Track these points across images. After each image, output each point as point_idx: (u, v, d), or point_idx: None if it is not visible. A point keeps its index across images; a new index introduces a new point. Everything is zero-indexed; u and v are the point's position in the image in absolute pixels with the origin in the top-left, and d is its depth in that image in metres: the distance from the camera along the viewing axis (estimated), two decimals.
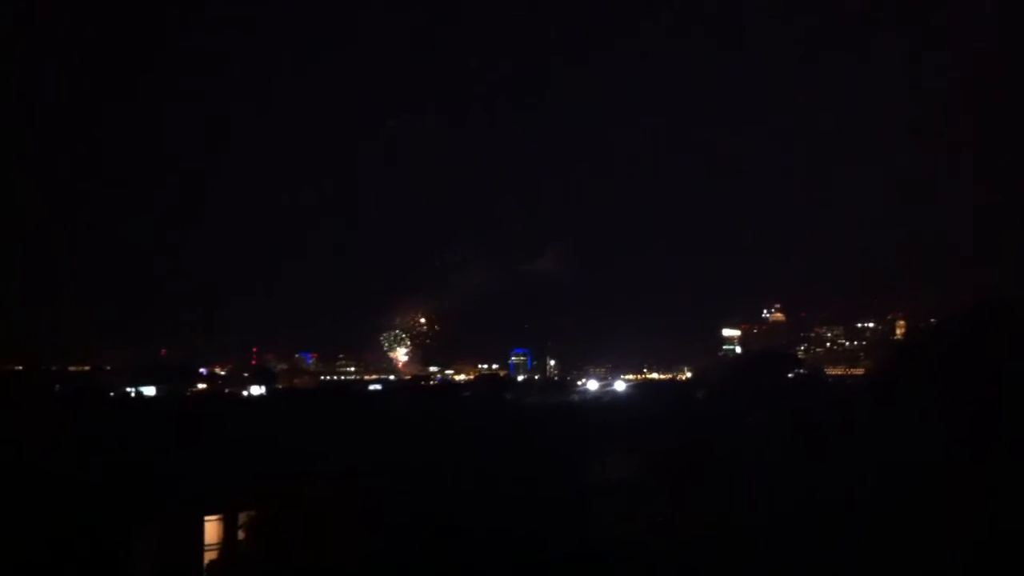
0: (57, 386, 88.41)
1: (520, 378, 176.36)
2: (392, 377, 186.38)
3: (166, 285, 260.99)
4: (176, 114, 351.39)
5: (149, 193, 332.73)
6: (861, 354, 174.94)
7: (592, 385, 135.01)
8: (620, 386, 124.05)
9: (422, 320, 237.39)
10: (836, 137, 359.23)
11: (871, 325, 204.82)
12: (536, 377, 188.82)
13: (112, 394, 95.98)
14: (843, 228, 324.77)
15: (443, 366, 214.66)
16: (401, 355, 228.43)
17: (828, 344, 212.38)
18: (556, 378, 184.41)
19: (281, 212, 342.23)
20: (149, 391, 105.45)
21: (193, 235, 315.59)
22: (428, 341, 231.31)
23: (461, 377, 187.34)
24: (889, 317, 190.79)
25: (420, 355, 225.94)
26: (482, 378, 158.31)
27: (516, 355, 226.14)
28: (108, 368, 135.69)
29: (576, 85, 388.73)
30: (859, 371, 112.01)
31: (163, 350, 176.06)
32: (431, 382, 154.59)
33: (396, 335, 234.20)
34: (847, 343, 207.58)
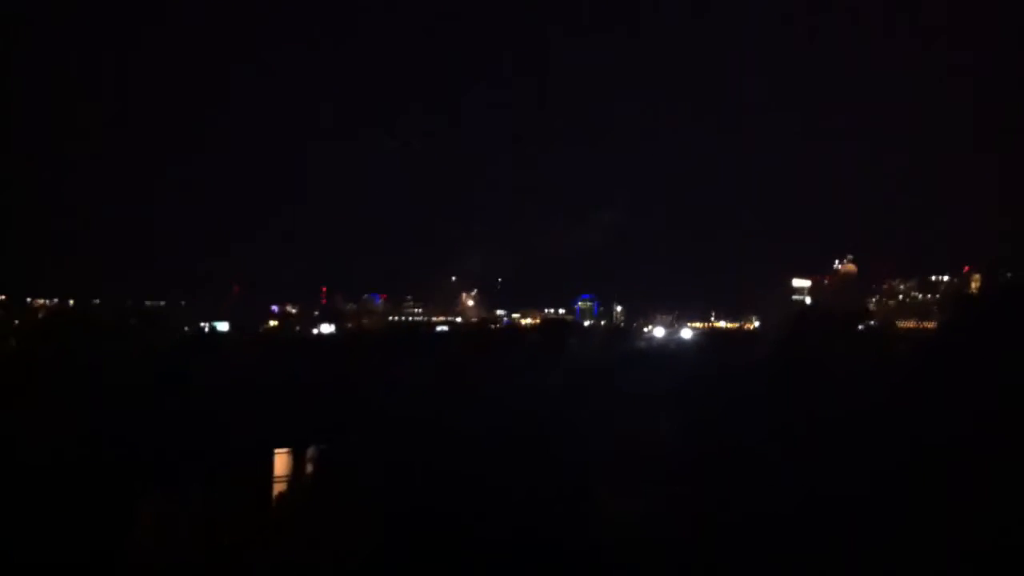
0: (133, 320, 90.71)
1: (586, 323, 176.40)
2: (459, 319, 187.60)
3: (239, 223, 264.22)
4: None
5: (223, 133, 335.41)
6: (934, 307, 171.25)
7: (658, 332, 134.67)
8: (687, 334, 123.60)
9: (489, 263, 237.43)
10: (911, 86, 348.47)
11: (945, 278, 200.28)
12: (602, 323, 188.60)
13: (187, 329, 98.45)
14: (919, 179, 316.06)
15: (509, 310, 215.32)
16: (468, 298, 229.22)
17: (900, 297, 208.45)
18: (622, 325, 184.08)
19: (355, 154, 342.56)
20: (222, 327, 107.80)
21: (264, 174, 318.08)
22: (495, 285, 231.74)
23: (527, 321, 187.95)
24: (965, 270, 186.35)
25: (487, 298, 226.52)
26: (547, 322, 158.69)
27: (583, 301, 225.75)
28: (183, 304, 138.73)
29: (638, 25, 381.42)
30: (931, 325, 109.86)
31: (236, 288, 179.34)
32: (496, 325, 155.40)
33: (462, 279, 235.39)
34: (920, 296, 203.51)
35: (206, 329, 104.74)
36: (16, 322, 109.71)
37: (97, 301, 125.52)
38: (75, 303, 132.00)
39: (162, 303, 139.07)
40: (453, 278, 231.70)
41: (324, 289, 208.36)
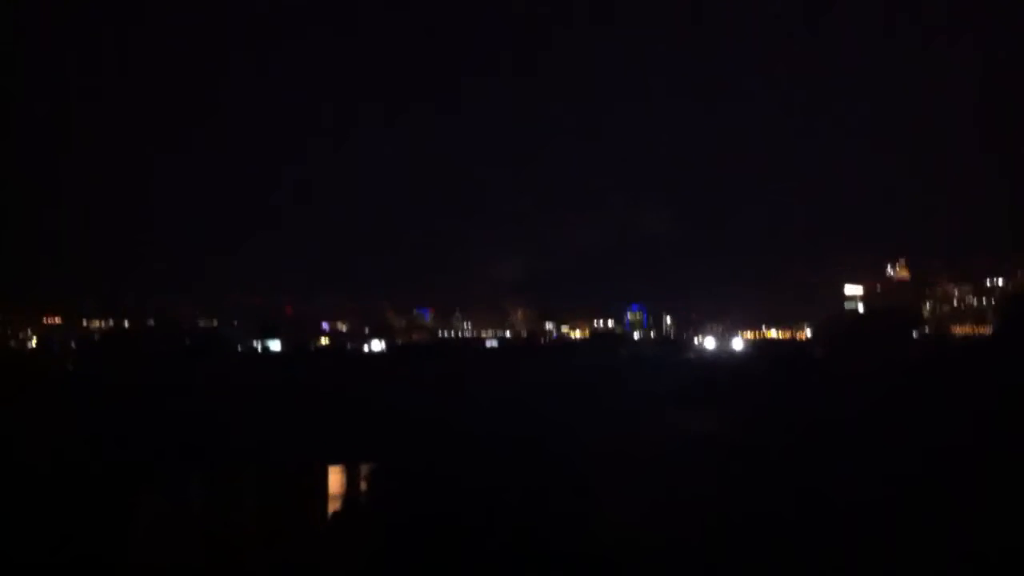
0: (187, 340, 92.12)
1: (636, 335, 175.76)
2: (508, 334, 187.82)
3: (292, 241, 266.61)
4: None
5: (282, 148, 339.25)
6: (989, 312, 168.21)
7: (709, 343, 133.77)
8: (738, 344, 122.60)
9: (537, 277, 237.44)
10: (963, 91, 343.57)
11: (1000, 282, 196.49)
12: (651, 334, 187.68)
13: (239, 348, 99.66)
14: (973, 182, 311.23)
15: (558, 322, 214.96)
16: (517, 312, 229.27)
17: (955, 302, 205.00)
18: (672, 336, 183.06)
19: (403, 170, 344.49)
20: (274, 346, 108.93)
21: (319, 193, 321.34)
22: (544, 298, 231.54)
23: (577, 334, 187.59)
24: (1019, 274, 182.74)
25: (536, 312, 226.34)
26: (597, 336, 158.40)
27: (632, 312, 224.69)
28: (235, 323, 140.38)
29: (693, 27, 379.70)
30: (986, 330, 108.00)
31: (288, 306, 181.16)
32: (547, 339, 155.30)
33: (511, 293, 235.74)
34: (975, 301, 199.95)
35: (259, 348, 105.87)
36: (72, 344, 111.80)
37: (151, 323, 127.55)
38: (130, 325, 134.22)
39: (215, 323, 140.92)
40: (501, 293, 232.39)
41: (376, 305, 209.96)
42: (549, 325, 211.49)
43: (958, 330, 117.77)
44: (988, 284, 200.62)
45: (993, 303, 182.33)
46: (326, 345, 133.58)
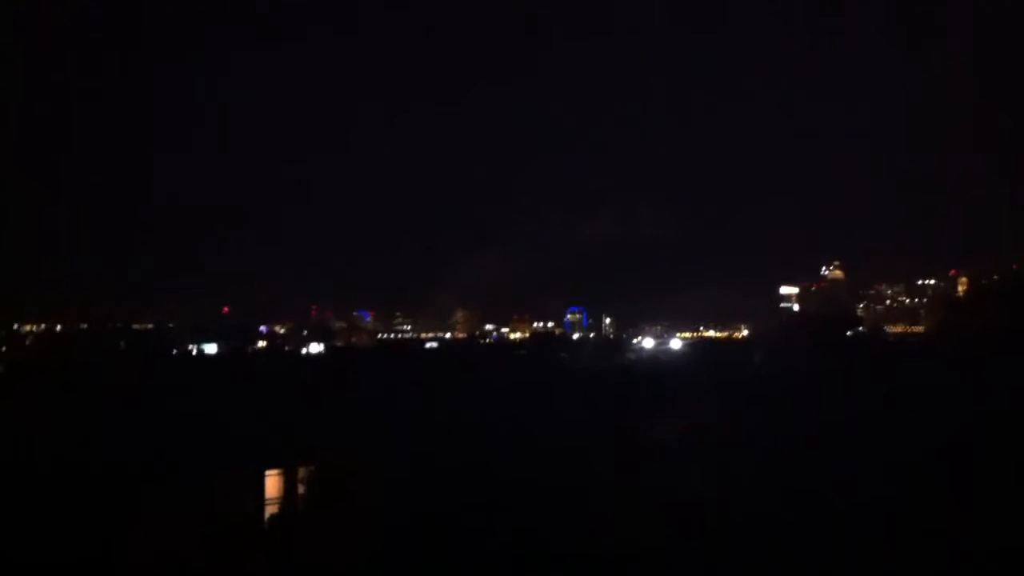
0: (122, 343, 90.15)
1: (575, 336, 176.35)
2: (448, 335, 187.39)
3: (228, 244, 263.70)
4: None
5: (214, 153, 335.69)
6: (922, 312, 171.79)
7: (648, 343, 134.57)
8: (676, 344, 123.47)
9: (477, 278, 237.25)
10: (896, 93, 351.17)
11: (932, 282, 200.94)
12: (591, 335, 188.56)
13: (175, 351, 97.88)
14: (904, 184, 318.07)
15: (499, 324, 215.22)
16: (458, 314, 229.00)
17: (888, 302, 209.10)
18: (611, 336, 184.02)
19: (339, 172, 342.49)
20: (211, 349, 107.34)
21: (254, 196, 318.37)
22: (483, 300, 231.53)
23: (516, 335, 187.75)
24: (951, 274, 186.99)
25: (476, 313, 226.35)
26: (536, 337, 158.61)
27: (572, 313, 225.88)
28: (171, 326, 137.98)
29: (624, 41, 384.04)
30: (919, 329, 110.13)
31: (225, 309, 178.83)
32: (487, 340, 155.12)
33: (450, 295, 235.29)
34: (908, 300, 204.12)
35: (194, 351, 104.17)
36: (3, 348, 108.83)
37: (84, 325, 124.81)
38: (62, 327, 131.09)
39: (150, 326, 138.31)
40: (442, 294, 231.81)
41: (315, 308, 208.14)
42: (490, 327, 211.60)
43: (892, 329, 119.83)
44: (920, 284, 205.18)
45: (926, 303, 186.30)
46: (263, 347, 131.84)
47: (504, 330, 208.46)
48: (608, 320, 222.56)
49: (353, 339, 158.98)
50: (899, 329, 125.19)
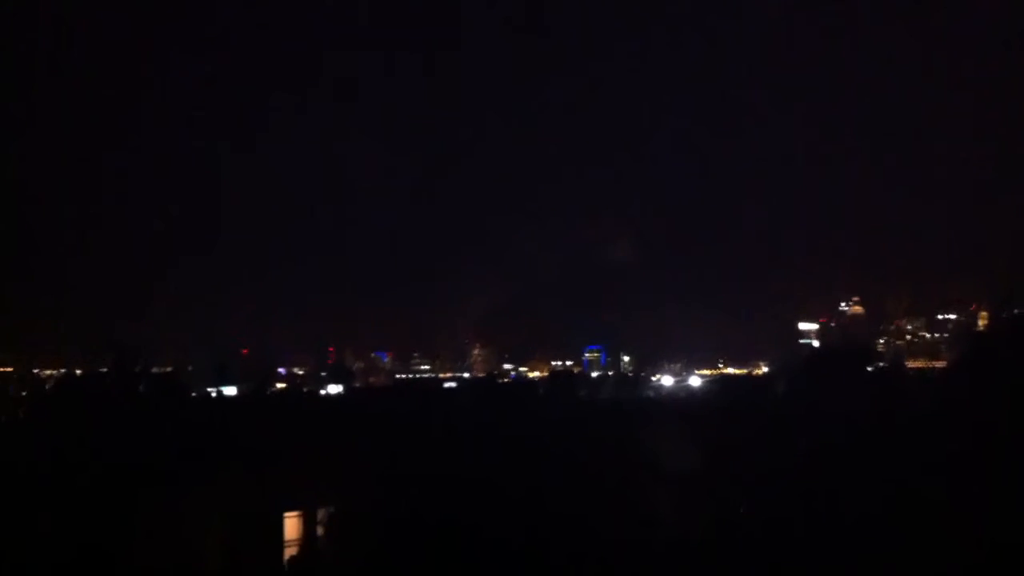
0: (141, 386, 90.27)
1: (594, 374, 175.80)
2: (467, 375, 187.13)
3: (248, 286, 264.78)
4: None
5: (234, 193, 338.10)
6: (943, 346, 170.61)
7: (667, 380, 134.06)
8: (695, 381, 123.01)
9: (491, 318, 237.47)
10: (915, 126, 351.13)
11: (953, 316, 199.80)
12: (610, 373, 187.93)
13: (194, 394, 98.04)
14: (925, 218, 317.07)
15: (517, 363, 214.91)
16: (476, 353, 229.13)
17: (908, 336, 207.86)
18: (630, 374, 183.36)
19: (358, 214, 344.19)
20: (230, 391, 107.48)
21: (274, 238, 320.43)
22: (502, 339, 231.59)
23: (535, 374, 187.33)
24: (972, 308, 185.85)
25: (495, 352, 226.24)
26: (555, 375, 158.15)
27: (590, 351, 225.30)
28: (190, 369, 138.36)
29: (645, 78, 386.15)
30: (941, 364, 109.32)
31: (244, 350, 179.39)
32: (505, 379, 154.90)
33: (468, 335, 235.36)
34: (928, 335, 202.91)
35: (213, 393, 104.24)
36: (24, 393, 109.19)
37: (104, 369, 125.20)
38: (82, 371, 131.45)
39: (169, 368, 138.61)
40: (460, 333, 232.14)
41: (332, 349, 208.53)
42: (508, 366, 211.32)
43: (912, 364, 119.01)
44: (940, 318, 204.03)
45: (946, 337, 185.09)
46: (283, 388, 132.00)
47: (523, 369, 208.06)
48: (627, 358, 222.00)
49: (371, 380, 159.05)
50: (920, 364, 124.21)
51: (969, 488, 21.19)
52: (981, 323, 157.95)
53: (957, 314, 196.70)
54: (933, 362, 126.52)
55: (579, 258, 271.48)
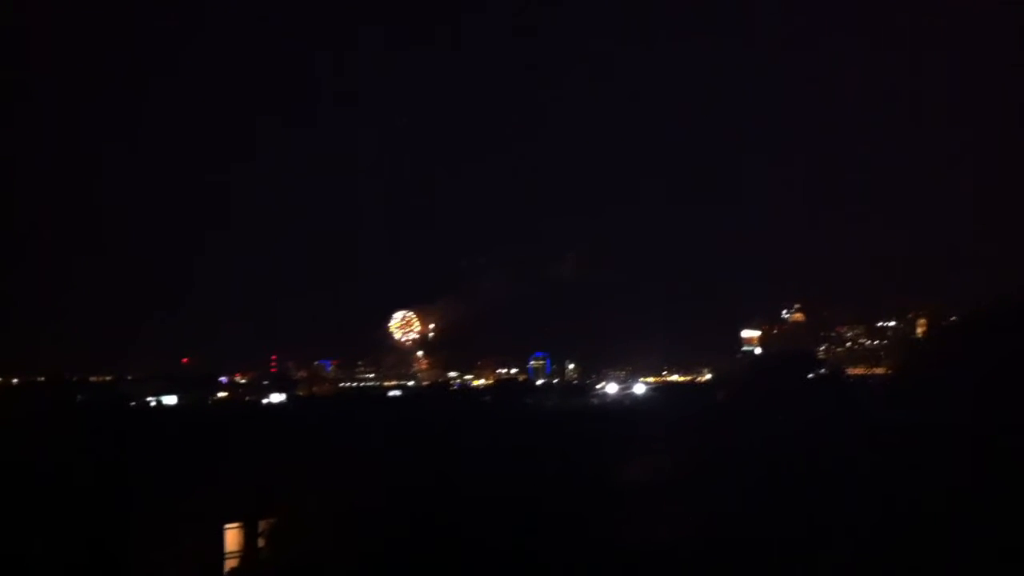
0: (79, 396, 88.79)
1: (539, 382, 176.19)
2: (411, 383, 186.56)
3: (187, 295, 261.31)
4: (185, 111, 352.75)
5: (170, 202, 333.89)
6: (882, 353, 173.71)
7: (611, 388, 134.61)
8: (640, 389, 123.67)
9: (436, 325, 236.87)
10: (853, 134, 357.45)
11: (892, 324, 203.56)
12: (555, 381, 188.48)
13: (133, 404, 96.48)
14: (863, 226, 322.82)
15: (462, 371, 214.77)
16: (421, 362, 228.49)
17: (849, 344, 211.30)
18: (575, 382, 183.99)
19: (298, 220, 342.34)
20: (170, 400, 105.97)
21: (212, 245, 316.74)
22: (446, 347, 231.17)
23: (480, 382, 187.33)
24: (910, 316, 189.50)
25: (439, 361, 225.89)
26: (501, 383, 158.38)
27: (535, 359, 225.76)
28: (130, 378, 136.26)
29: (592, 86, 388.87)
30: (880, 370, 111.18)
31: (184, 359, 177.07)
32: (451, 387, 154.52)
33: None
34: (868, 342, 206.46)
35: (153, 403, 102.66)
36: None
37: (42, 379, 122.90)
38: (18, 381, 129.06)
39: (108, 378, 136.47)
40: (405, 341, 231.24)
41: (274, 357, 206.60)
42: (453, 374, 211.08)
43: (853, 371, 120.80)
44: (880, 326, 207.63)
45: (886, 344, 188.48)
46: (224, 397, 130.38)
47: (468, 377, 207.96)
48: (571, 366, 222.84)
49: (315, 389, 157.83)
50: (860, 371, 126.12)
51: (905, 493, 21.42)
52: (920, 331, 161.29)
53: (897, 322, 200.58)
54: (873, 368, 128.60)
55: (524, 267, 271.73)
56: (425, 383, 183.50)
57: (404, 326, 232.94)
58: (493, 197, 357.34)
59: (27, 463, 31.29)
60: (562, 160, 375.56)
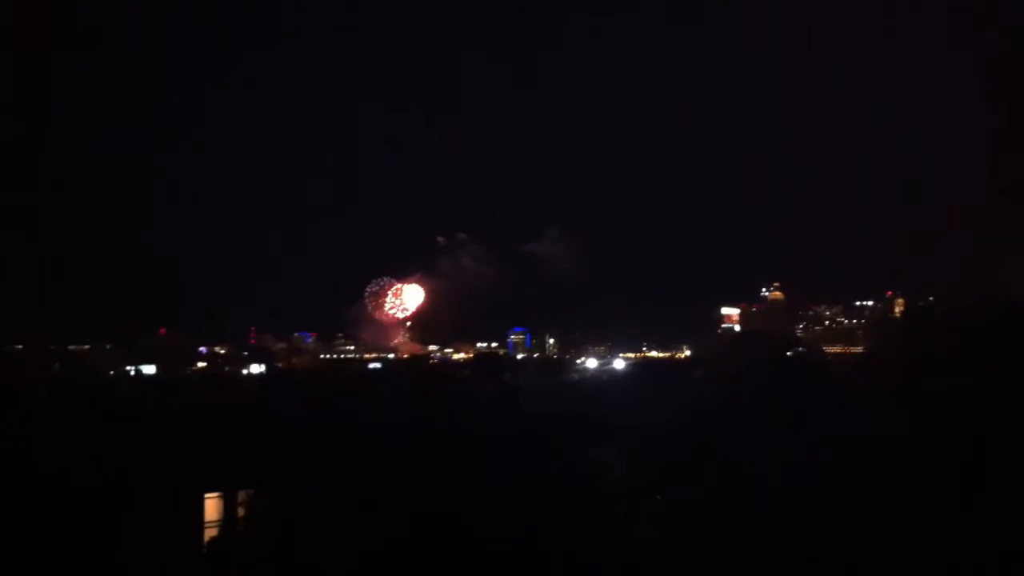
0: (57, 365, 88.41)
1: (519, 357, 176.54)
2: (391, 356, 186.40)
3: (167, 266, 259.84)
4: (176, 93, 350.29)
5: (151, 174, 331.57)
6: (859, 332, 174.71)
7: (591, 364, 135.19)
8: (619, 364, 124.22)
9: (420, 298, 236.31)
10: (837, 116, 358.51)
11: (870, 303, 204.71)
12: (535, 356, 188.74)
13: (112, 373, 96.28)
14: (843, 207, 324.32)
15: (442, 345, 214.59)
16: (401, 334, 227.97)
17: (827, 323, 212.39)
18: (555, 357, 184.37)
19: (282, 192, 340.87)
20: (149, 370, 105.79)
21: (194, 217, 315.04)
22: (427, 320, 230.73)
23: (460, 356, 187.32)
24: (888, 295, 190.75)
25: (419, 334, 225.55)
26: (480, 357, 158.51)
27: (515, 334, 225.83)
28: (108, 347, 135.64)
29: (575, 70, 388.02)
30: (857, 349, 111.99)
31: (162, 330, 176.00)
32: (430, 361, 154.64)
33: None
34: (846, 321, 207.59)
35: (132, 372, 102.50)
36: None
37: (20, 346, 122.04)
38: None
39: (87, 347, 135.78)
40: (386, 313, 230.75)
41: (253, 329, 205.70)
42: (433, 347, 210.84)
43: (830, 350, 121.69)
44: (858, 305, 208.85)
45: (863, 323, 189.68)
46: (203, 368, 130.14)
47: (448, 350, 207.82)
48: (552, 341, 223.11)
49: (294, 360, 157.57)
50: (837, 349, 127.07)
51: (885, 467, 21.74)
52: (897, 310, 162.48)
53: (874, 302, 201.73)
54: (850, 348, 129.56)
55: (508, 245, 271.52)
56: (404, 356, 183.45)
57: (384, 299, 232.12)
58: (473, 168, 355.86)
59: (6, 432, 31.29)
60: (545, 131, 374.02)
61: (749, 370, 40.55)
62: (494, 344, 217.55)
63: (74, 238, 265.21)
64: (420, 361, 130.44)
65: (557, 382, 76.01)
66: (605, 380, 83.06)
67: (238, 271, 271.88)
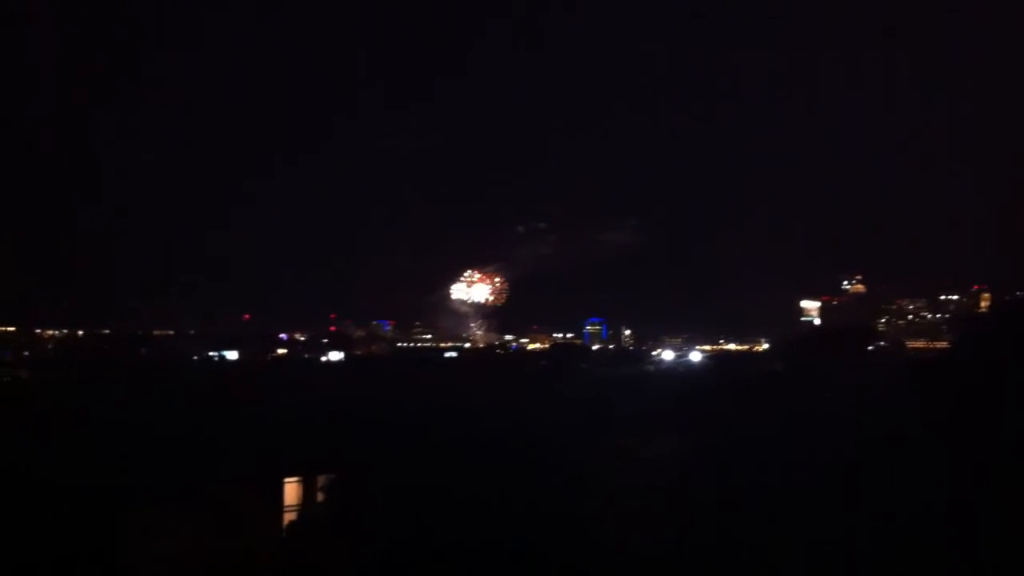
0: (143, 350, 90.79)
1: (595, 347, 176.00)
2: (467, 345, 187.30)
3: (251, 254, 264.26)
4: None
5: (233, 170, 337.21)
6: (944, 327, 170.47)
7: (667, 355, 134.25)
8: (696, 357, 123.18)
9: (498, 288, 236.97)
10: (919, 109, 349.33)
11: (955, 298, 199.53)
12: (611, 347, 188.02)
13: (196, 358, 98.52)
14: (929, 199, 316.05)
15: (518, 335, 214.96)
16: (477, 324, 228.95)
17: (910, 316, 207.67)
18: (631, 348, 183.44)
19: (361, 183, 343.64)
20: (231, 355, 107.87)
21: (279, 207, 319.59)
22: (503, 309, 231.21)
23: (535, 346, 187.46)
24: (974, 289, 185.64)
25: (496, 324, 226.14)
26: (557, 346, 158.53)
27: (591, 324, 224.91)
28: (192, 333, 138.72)
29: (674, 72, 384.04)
30: (942, 344, 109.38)
31: (246, 316, 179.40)
32: (506, 350, 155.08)
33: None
34: (929, 316, 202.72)
35: (216, 358, 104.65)
36: (26, 353, 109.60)
37: (107, 331, 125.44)
38: (84, 333, 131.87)
39: (171, 332, 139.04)
40: (463, 302, 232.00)
41: (333, 316, 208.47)
42: (508, 337, 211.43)
43: (912, 344, 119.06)
44: (942, 299, 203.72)
45: (947, 318, 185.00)
46: (283, 354, 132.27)
47: (524, 340, 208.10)
48: (628, 332, 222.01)
49: (372, 347, 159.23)
50: (920, 344, 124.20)
51: (971, 467, 21.28)
52: (983, 305, 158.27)
53: (959, 295, 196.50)
54: (934, 343, 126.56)
55: (586, 236, 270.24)
56: (481, 345, 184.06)
57: (463, 288, 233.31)
58: (554, 163, 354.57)
59: (96, 414, 32.30)
60: (629, 125, 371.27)
61: (830, 363, 40.01)
62: (570, 334, 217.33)
63: (159, 223, 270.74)
64: (496, 350, 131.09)
65: (628, 373, 75.71)
66: (680, 372, 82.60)
67: (320, 258, 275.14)
